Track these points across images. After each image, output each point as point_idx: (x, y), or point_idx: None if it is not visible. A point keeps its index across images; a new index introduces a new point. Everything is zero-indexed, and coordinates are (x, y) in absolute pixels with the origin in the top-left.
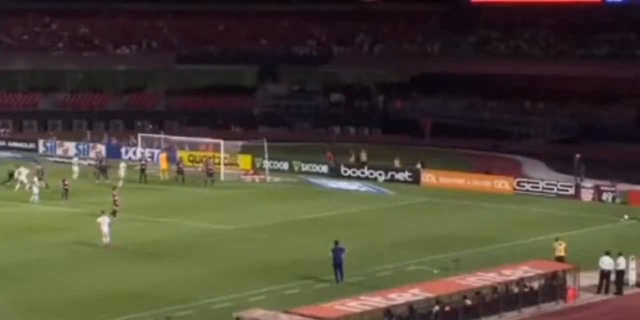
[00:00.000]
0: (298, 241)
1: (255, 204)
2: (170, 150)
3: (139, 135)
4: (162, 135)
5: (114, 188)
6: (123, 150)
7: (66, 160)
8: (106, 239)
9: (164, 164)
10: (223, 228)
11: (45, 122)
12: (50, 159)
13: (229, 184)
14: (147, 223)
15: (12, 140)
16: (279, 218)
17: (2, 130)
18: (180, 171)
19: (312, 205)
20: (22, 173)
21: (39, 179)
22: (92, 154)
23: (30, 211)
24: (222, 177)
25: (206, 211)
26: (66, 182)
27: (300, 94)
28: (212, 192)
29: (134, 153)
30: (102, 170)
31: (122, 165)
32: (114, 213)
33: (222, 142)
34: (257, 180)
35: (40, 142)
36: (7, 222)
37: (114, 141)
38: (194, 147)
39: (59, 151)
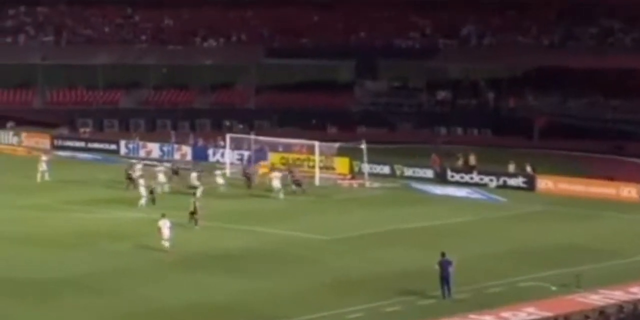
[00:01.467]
0: (400, 253)
1: (353, 212)
2: (260, 152)
3: (227, 135)
4: (252, 136)
5: (194, 194)
6: (210, 152)
7: (149, 163)
8: (167, 244)
9: (262, 170)
10: (317, 237)
11: (127, 121)
12: (134, 161)
13: (325, 190)
14: (235, 231)
15: (92, 141)
16: (379, 227)
17: (83, 130)
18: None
19: (416, 213)
20: (194, 176)
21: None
22: (177, 156)
23: (112, 217)
24: (317, 182)
25: (299, 219)
26: (152, 187)
27: (402, 91)
28: (306, 199)
29: (222, 155)
30: (175, 173)
31: (218, 172)
32: (195, 221)
33: (316, 143)
34: (355, 185)
35: (122, 143)
36: (87, 229)
37: (200, 142)
38: (286, 148)
39: (142, 153)
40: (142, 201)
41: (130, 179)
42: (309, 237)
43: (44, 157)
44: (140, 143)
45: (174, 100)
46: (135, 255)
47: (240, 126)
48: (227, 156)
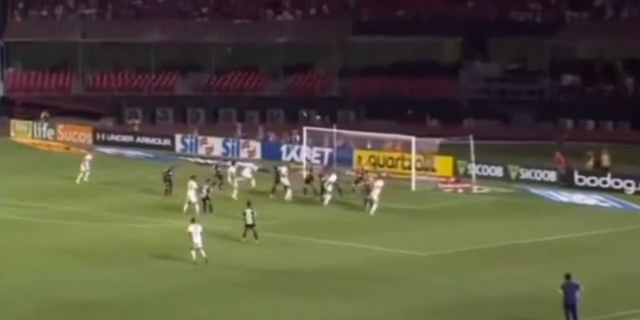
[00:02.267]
0: (514, 273)
1: (457, 223)
2: (344, 150)
3: (304, 129)
4: (334, 130)
5: (248, 203)
6: (283, 148)
7: (210, 162)
8: (199, 253)
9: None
10: (414, 254)
11: (183, 111)
12: (191, 159)
13: (423, 196)
14: (311, 246)
15: (142, 135)
16: (489, 241)
17: (131, 122)
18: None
19: (535, 225)
20: (284, 173)
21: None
22: (243, 154)
23: (162, 227)
24: (413, 187)
25: (390, 231)
26: (210, 190)
27: (518, 74)
28: (401, 207)
29: (298, 153)
30: (219, 176)
31: (332, 178)
32: (254, 234)
33: (413, 139)
34: (460, 190)
35: (178, 137)
36: (134, 241)
37: (272, 137)
38: (376, 145)
39: (201, 150)
40: (194, 208)
41: (169, 181)
42: (403, 253)
43: (88, 156)
44: (200, 138)
45: (241, 86)
46: (189, 272)
47: (318, 117)
48: (303, 154)
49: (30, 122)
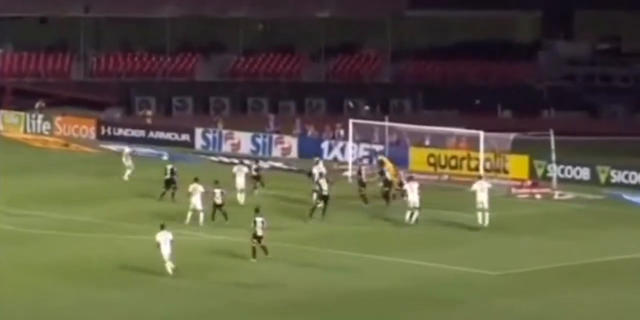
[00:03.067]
0: (607, 296)
1: (535, 235)
2: (399, 146)
3: (350, 121)
4: (386, 123)
5: (257, 210)
6: (325, 145)
7: (235, 161)
8: (170, 265)
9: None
10: (483, 273)
11: (205, 100)
12: (214, 158)
13: (493, 203)
14: (360, 262)
15: (156, 129)
16: (574, 258)
17: (142, 113)
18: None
19: (628, 238)
20: (320, 171)
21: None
22: (276, 152)
23: (176, 239)
24: None
25: (456, 246)
26: (225, 194)
27: (610, 57)
28: (466, 217)
29: (342, 150)
30: (256, 178)
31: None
32: (264, 250)
33: (482, 134)
34: (537, 196)
35: (198, 132)
36: (142, 256)
37: (311, 131)
38: (436, 141)
39: (226, 146)
40: (198, 216)
41: (171, 182)
42: (469, 271)
43: (127, 149)
44: (224, 132)
45: (274, 71)
46: (207, 294)
47: (367, 108)
48: (349, 152)
49: (22, 114)
